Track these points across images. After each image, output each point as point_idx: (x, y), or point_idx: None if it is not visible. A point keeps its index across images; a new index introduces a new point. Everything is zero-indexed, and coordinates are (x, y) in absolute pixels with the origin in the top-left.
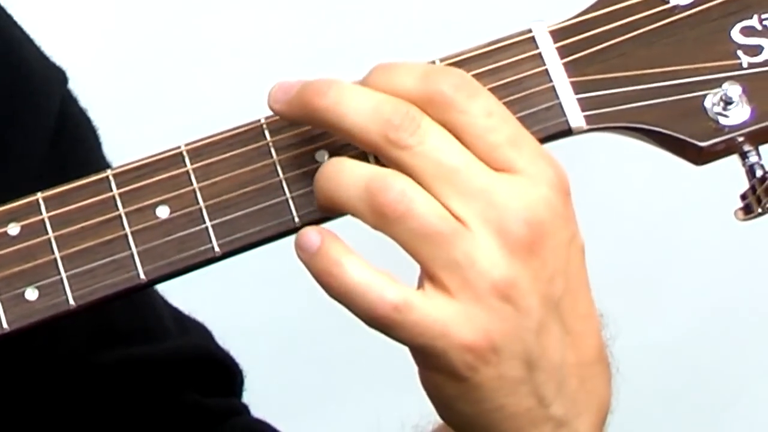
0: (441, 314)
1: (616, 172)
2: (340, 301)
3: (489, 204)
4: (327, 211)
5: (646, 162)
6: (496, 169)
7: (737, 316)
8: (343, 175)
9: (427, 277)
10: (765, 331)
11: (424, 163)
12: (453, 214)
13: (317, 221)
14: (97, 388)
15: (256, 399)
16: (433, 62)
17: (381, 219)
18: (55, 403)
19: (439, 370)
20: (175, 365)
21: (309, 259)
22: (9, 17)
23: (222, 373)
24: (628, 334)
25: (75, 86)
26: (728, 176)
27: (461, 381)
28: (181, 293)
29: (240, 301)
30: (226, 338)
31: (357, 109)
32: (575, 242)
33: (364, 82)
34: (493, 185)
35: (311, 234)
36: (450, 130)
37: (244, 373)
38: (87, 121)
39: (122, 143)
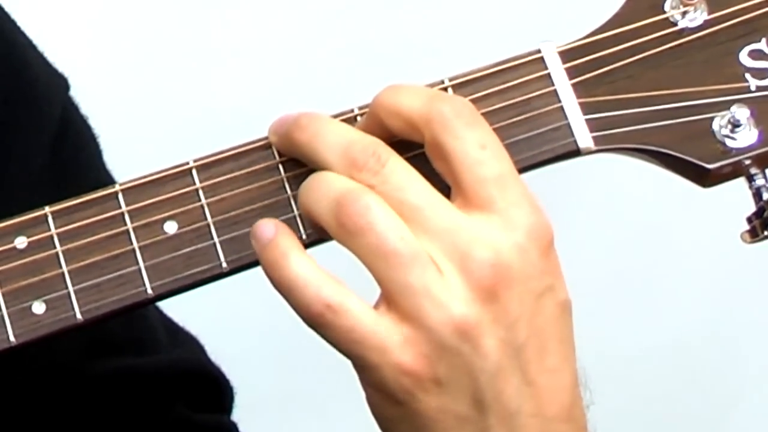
0: (382, 330)
1: (622, 185)
2: (281, 294)
3: (452, 243)
4: (310, 224)
5: (648, 174)
6: (476, 205)
7: (737, 318)
8: (320, 186)
9: (384, 297)
10: (765, 332)
11: (387, 201)
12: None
13: (324, 239)
14: (87, 398)
15: (248, 413)
16: (442, 81)
17: (342, 231)
18: (45, 412)
19: (376, 388)
20: (165, 378)
21: (260, 250)
22: (13, 22)
23: (212, 389)
24: (628, 335)
25: (76, 94)
26: (731, 187)
27: (399, 404)
28: (175, 304)
29: (234, 313)
30: (218, 352)
31: (328, 147)
32: (551, 296)
33: (374, 99)
34: (459, 225)
35: (267, 225)
36: (441, 154)
37: (235, 388)
38: (88, 128)
39: (123, 151)
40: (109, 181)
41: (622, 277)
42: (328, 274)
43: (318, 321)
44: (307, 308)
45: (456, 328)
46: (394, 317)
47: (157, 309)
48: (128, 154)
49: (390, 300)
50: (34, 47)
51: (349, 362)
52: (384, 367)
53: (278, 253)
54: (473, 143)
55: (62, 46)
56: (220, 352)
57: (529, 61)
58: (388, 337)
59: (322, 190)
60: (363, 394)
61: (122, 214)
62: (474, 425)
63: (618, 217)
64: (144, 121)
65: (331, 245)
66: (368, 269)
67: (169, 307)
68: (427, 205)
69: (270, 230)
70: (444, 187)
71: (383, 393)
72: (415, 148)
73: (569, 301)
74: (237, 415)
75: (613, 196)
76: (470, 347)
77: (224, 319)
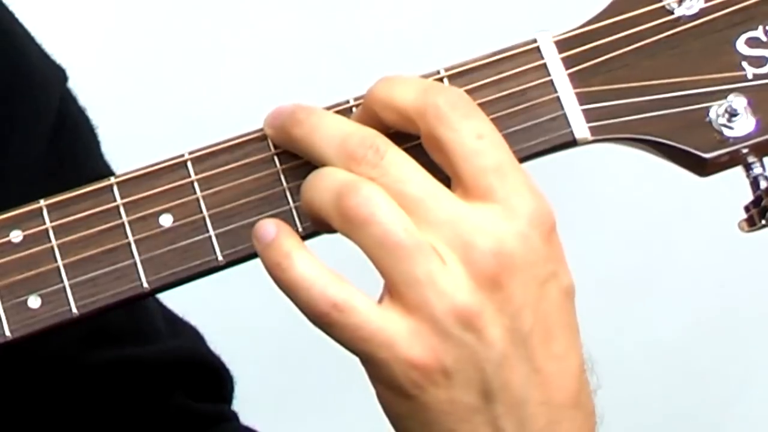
0: (389, 325)
1: (621, 175)
2: (286, 294)
3: (455, 234)
4: (310, 219)
5: (647, 164)
6: (476, 195)
7: (737, 316)
8: (321, 179)
9: (388, 289)
10: (765, 331)
11: (388, 193)
12: None
13: (320, 232)
14: (85, 388)
15: (249, 404)
16: (438, 72)
17: (346, 222)
18: (43, 402)
19: (385, 384)
20: (165, 368)
21: (262, 250)
22: (10, 14)
23: (212, 378)
24: (628, 333)
25: (74, 85)
26: (729, 177)
27: (408, 399)
28: (175, 295)
29: (234, 305)
30: (218, 342)
31: (326, 141)
32: (556, 282)
33: (368, 92)
34: (460, 215)
35: (268, 225)
36: (438, 146)
37: (235, 379)
38: (86, 120)
39: (121, 143)
40: (108, 172)
41: (618, 267)
42: (332, 272)
43: (325, 320)
44: (314, 308)
45: (458, 316)
46: (399, 309)
47: (156, 299)
48: (126, 145)
49: (394, 291)
50: (31, 38)
51: (348, 352)
52: (392, 362)
53: (281, 254)
54: (469, 134)
55: (60, 37)
56: (220, 342)
57: (525, 51)
58: (396, 332)
59: (325, 183)
60: (364, 385)
61: (117, 207)
62: (483, 415)
63: (614, 207)
64: (142, 112)
65: (325, 239)
66: (372, 261)
67: (169, 298)
68: (428, 196)
69: (271, 230)
70: (444, 177)
71: (393, 389)
72: (413, 139)
73: (573, 286)
74: (237, 406)
75: (611, 186)
76: (474, 336)
77: (224, 311)
